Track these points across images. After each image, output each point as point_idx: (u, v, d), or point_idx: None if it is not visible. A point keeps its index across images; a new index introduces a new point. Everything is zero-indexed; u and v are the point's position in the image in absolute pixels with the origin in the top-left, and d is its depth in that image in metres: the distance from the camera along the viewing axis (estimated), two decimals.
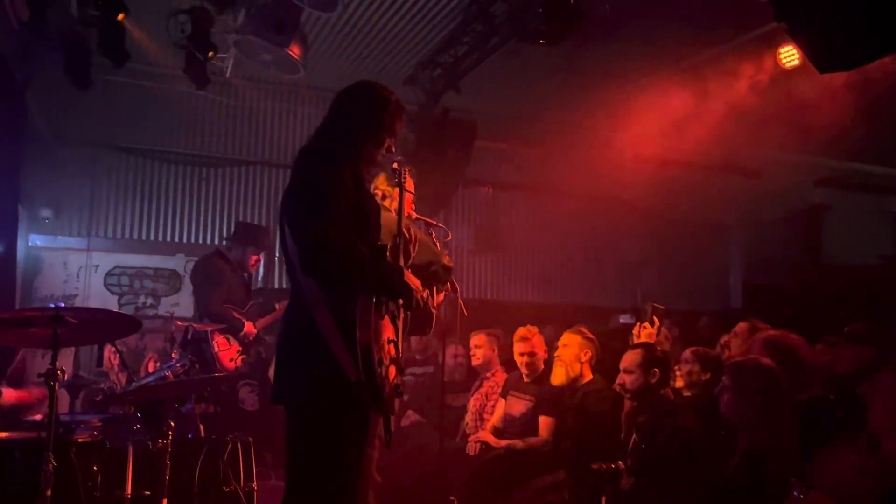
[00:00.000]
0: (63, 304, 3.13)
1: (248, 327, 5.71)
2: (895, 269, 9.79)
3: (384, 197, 3.68)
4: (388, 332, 2.72)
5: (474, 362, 5.73)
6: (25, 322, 3.14)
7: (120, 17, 5.72)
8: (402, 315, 2.84)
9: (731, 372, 3.39)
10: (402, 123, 3.01)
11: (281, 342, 2.80)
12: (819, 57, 2.78)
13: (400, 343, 2.79)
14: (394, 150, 2.96)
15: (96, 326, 3.41)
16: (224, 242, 6.92)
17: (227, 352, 5.48)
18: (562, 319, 6.46)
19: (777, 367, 3.31)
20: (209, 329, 5.37)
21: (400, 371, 2.76)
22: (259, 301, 6.16)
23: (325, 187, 2.61)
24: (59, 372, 3.10)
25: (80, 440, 3.47)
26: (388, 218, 2.99)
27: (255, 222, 8.61)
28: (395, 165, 3.08)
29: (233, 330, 5.59)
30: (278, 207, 2.87)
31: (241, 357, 5.62)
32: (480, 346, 5.66)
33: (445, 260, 3.73)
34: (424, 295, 3.07)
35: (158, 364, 5.69)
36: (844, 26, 2.59)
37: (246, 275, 6.12)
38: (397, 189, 3.02)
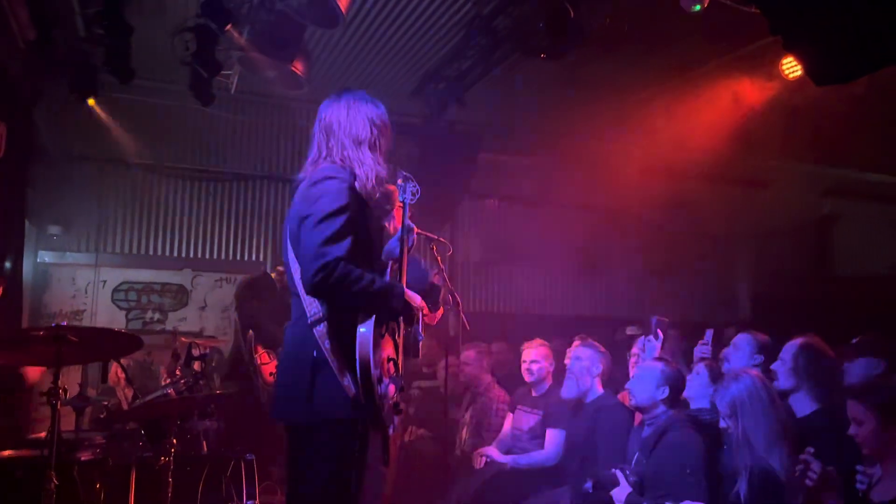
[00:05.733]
0: (66, 323, 3.14)
1: None
2: None
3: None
4: (388, 350, 2.72)
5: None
6: (28, 341, 3.16)
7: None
8: (402, 332, 2.84)
9: (721, 388, 3.38)
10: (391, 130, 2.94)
11: (282, 358, 2.81)
12: (815, 70, 2.78)
13: (400, 361, 2.79)
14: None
15: (98, 345, 3.42)
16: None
17: (267, 366, 5.51)
18: (569, 331, 6.41)
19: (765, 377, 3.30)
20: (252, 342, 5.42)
21: (399, 389, 2.76)
22: None
23: (330, 212, 2.59)
24: (61, 390, 3.11)
25: (82, 458, 3.47)
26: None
27: (262, 237, 8.66)
28: (399, 181, 3.08)
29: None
30: (283, 222, 2.86)
31: None
32: (468, 364, 5.71)
33: (435, 279, 3.74)
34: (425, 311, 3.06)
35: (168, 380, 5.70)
36: (839, 39, 2.57)
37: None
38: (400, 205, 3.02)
